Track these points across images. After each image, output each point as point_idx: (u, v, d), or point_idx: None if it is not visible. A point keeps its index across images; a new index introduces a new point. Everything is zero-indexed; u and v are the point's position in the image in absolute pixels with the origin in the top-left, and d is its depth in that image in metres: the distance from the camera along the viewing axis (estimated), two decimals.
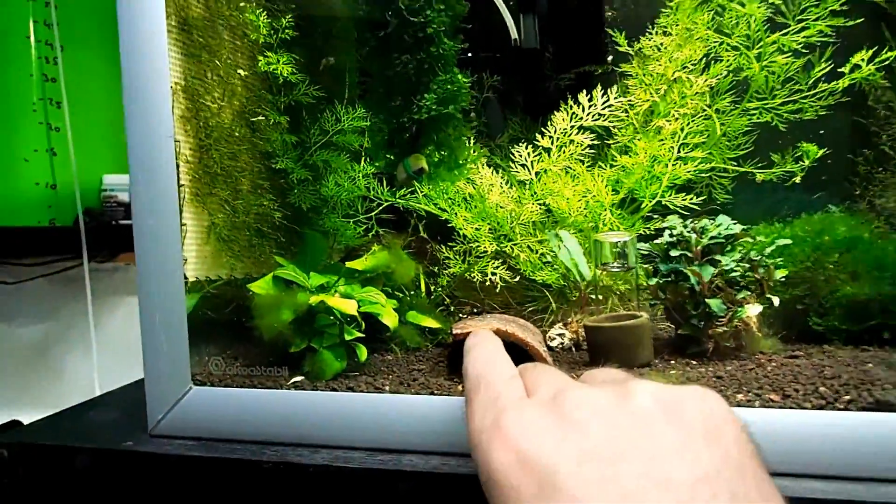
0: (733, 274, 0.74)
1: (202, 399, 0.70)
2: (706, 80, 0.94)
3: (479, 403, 0.42)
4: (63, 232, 1.94)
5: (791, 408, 0.57)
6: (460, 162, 0.86)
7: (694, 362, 0.73)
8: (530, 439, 0.35)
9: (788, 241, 0.78)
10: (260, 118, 0.79)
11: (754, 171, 0.98)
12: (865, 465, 0.52)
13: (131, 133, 0.67)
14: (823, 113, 0.92)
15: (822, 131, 0.96)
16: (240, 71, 0.78)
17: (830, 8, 0.88)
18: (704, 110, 0.97)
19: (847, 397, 0.57)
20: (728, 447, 0.33)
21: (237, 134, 0.77)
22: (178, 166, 0.69)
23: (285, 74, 0.81)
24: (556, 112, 0.95)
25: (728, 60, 0.95)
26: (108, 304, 2.06)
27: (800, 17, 0.90)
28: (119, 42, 0.66)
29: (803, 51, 0.91)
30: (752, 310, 0.73)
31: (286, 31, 0.83)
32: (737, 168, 1.00)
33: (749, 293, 0.75)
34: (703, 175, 0.99)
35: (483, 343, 0.51)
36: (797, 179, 0.95)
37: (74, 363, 2.02)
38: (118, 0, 0.66)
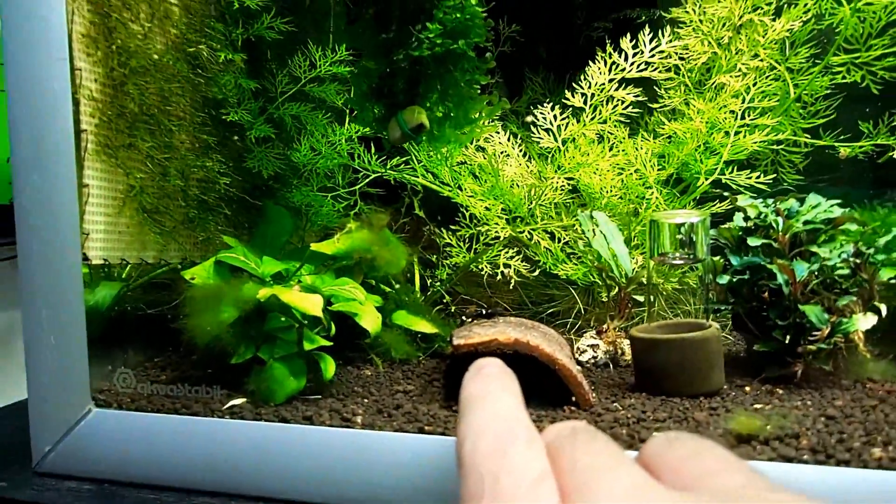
0: (839, 272, 0.54)
1: (104, 425, 0.51)
2: (783, 26, 0.74)
3: None
4: None
5: None
6: (471, 118, 0.66)
7: (779, 391, 0.53)
8: None
9: None
10: (201, 47, 0.60)
11: (837, 144, 0.79)
12: None
13: (9, 52, 0.48)
14: None
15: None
16: None
17: None
18: (776, 66, 0.78)
19: None
20: None
21: (170, 69, 0.57)
22: (77, 103, 0.50)
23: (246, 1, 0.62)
24: (587, 67, 0.75)
25: (808, 2, 0.75)
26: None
27: None
28: None
29: None
30: (864, 322, 0.54)
31: None
32: (813, 141, 0.80)
33: (853, 299, 0.56)
34: (771, 147, 0.80)
35: (491, 397, 0.29)
36: (895, 154, 0.76)
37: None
38: None
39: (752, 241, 0.58)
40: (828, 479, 0.39)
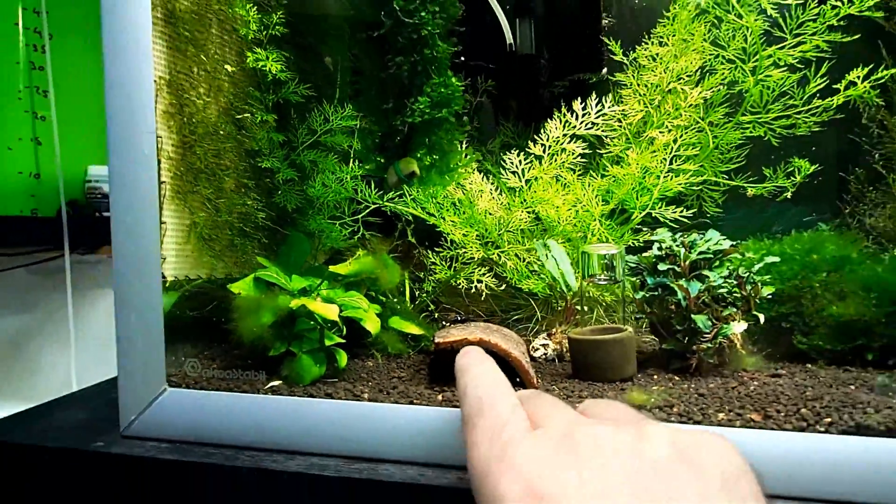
0: (720, 290, 0.73)
1: (177, 401, 0.68)
2: (701, 92, 0.93)
3: (484, 430, 0.41)
4: (45, 222, 1.91)
5: (772, 429, 0.56)
6: (452, 166, 0.85)
7: (677, 378, 0.72)
8: (544, 474, 0.35)
9: (777, 259, 0.78)
10: (246, 115, 0.78)
11: (746, 185, 0.98)
12: (844, 490, 0.51)
13: (112, 126, 0.65)
14: (817, 129, 0.92)
15: (814, 148, 0.96)
16: (227, 66, 0.76)
17: (828, 23, 0.88)
18: (697, 122, 0.97)
19: (828, 420, 0.56)
20: (745, 499, 0.33)
21: (222, 131, 0.75)
22: (159, 162, 0.68)
23: (274, 72, 0.80)
24: (548, 119, 0.94)
25: (723, 73, 0.94)
26: (88, 297, 2.04)
27: (797, 32, 0.89)
28: (101, 32, 0.64)
29: (799, 66, 0.90)
30: (738, 327, 0.73)
31: (276, 27, 0.82)
32: (728, 182, 0.99)
33: (735, 310, 0.75)
34: (694, 188, 0.99)
35: (481, 363, 0.50)
36: (788, 195, 0.95)
37: (52, 356, 1.99)
38: None
39: (662, 266, 0.76)
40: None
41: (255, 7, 0.80)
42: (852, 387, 0.65)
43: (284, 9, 0.83)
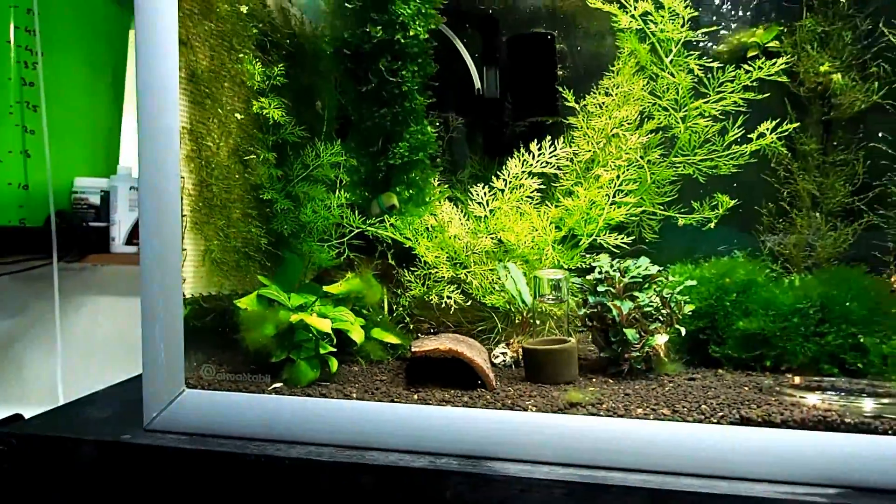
0: (647, 308, 0.89)
1: (194, 400, 0.81)
2: (639, 137, 1.09)
3: None
4: (33, 232, 1.98)
5: (677, 421, 0.71)
6: (426, 200, 0.99)
7: (611, 381, 0.87)
8: None
9: (694, 283, 0.94)
10: (251, 156, 0.91)
11: (678, 215, 1.15)
12: (728, 468, 0.67)
13: (144, 170, 0.78)
14: (735, 171, 1.09)
15: (735, 185, 1.13)
16: (236, 114, 0.89)
17: (743, 83, 1.05)
18: (637, 161, 1.13)
19: (721, 414, 0.72)
20: None
21: (232, 169, 0.88)
22: (181, 198, 0.80)
23: (275, 117, 0.93)
24: (511, 154, 1.10)
25: (659, 119, 1.11)
26: (73, 303, 2.11)
27: (718, 89, 1.06)
28: (136, 92, 0.77)
29: (720, 117, 1.07)
30: (660, 339, 0.89)
31: (277, 77, 0.95)
32: (663, 212, 1.16)
33: (660, 324, 0.91)
34: (634, 217, 1.15)
35: None
36: (712, 225, 1.11)
37: (38, 358, 2.06)
38: (138, 54, 0.77)
39: (601, 288, 0.92)
40: (610, 426, 0.72)
41: (259, 62, 0.93)
42: (746, 388, 0.81)
43: (284, 61, 0.96)
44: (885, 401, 0.75)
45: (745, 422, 0.71)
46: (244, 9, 0.90)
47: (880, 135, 1.05)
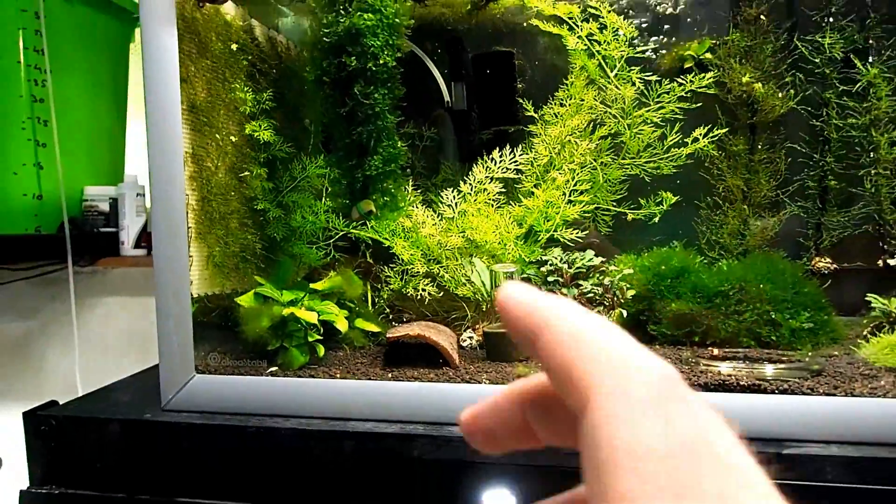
0: (590, 294, 1.04)
1: (203, 383, 0.96)
2: (589, 143, 1.23)
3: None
4: (48, 239, 2.13)
5: None
6: (400, 205, 1.13)
7: None
8: None
9: (630, 271, 1.08)
10: (246, 174, 1.05)
11: (627, 211, 1.29)
12: None
13: (155, 190, 0.92)
14: (675, 171, 1.23)
15: (678, 182, 1.27)
16: (231, 137, 1.03)
17: (678, 94, 1.19)
18: (590, 164, 1.27)
19: None
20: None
21: (229, 185, 1.02)
22: (187, 213, 0.95)
23: (266, 137, 1.07)
24: (478, 160, 1.24)
25: (609, 126, 1.25)
26: (86, 304, 2.27)
27: (657, 100, 1.20)
28: (147, 123, 0.91)
29: (661, 124, 1.21)
30: None
31: (266, 102, 1.09)
32: (614, 208, 1.30)
33: (603, 308, 1.05)
34: (587, 214, 1.29)
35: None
36: (656, 220, 1.26)
37: (56, 357, 2.22)
38: (147, 90, 0.91)
39: (551, 278, 1.06)
40: None
41: (250, 89, 1.07)
42: (668, 359, 0.95)
43: (272, 86, 1.10)
44: (782, 366, 0.90)
45: None
46: (234, 46, 1.04)
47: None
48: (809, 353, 0.96)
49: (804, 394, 0.81)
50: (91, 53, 2.05)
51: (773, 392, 0.82)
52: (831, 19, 1.14)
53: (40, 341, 2.31)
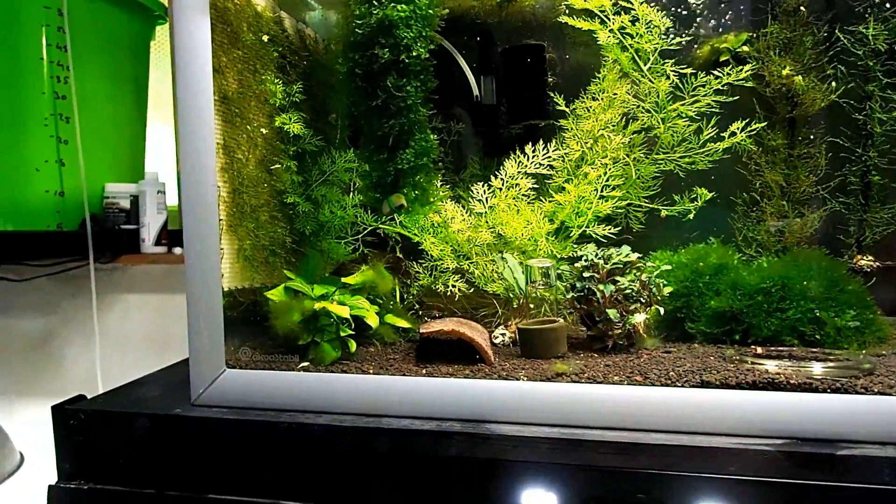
0: (627, 291, 1.01)
1: (233, 378, 0.94)
2: (622, 138, 1.21)
3: None
4: (69, 235, 2.13)
5: (647, 385, 0.83)
6: (430, 200, 1.11)
7: (596, 355, 0.99)
8: None
9: (669, 268, 1.05)
10: (277, 166, 1.04)
11: (660, 207, 1.26)
12: (689, 424, 0.79)
13: (185, 182, 0.91)
14: (711, 166, 1.20)
15: (713, 178, 1.24)
16: (262, 129, 1.02)
17: (714, 87, 1.16)
18: (623, 159, 1.24)
19: (685, 379, 0.83)
20: None
21: (260, 177, 1.01)
22: (218, 205, 0.93)
23: (295, 130, 1.05)
24: (507, 155, 1.22)
25: (642, 120, 1.22)
26: (107, 300, 2.26)
27: (692, 93, 1.17)
28: (177, 114, 0.89)
29: (696, 118, 1.18)
30: (639, 318, 1.00)
31: (296, 94, 1.07)
32: (648, 205, 1.27)
33: (639, 305, 1.02)
34: (620, 210, 1.26)
35: None
36: (691, 216, 1.23)
37: (77, 353, 2.21)
38: (178, 81, 0.89)
39: (587, 274, 1.04)
40: (589, 391, 0.84)
41: (280, 82, 1.06)
42: (711, 358, 0.93)
43: (302, 79, 1.09)
44: (831, 365, 0.86)
45: (705, 385, 0.82)
46: (265, 38, 1.02)
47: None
48: (861, 353, 0.93)
49: (858, 393, 0.78)
50: (113, 51, 2.05)
51: (825, 391, 0.79)
52: (875, 9, 1.11)
53: (61, 337, 2.31)
